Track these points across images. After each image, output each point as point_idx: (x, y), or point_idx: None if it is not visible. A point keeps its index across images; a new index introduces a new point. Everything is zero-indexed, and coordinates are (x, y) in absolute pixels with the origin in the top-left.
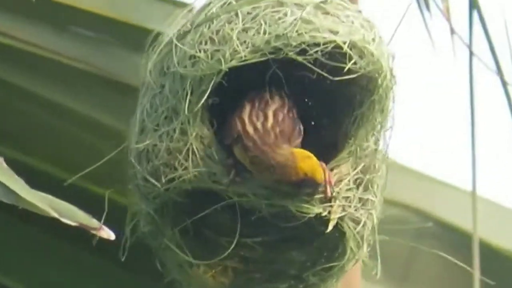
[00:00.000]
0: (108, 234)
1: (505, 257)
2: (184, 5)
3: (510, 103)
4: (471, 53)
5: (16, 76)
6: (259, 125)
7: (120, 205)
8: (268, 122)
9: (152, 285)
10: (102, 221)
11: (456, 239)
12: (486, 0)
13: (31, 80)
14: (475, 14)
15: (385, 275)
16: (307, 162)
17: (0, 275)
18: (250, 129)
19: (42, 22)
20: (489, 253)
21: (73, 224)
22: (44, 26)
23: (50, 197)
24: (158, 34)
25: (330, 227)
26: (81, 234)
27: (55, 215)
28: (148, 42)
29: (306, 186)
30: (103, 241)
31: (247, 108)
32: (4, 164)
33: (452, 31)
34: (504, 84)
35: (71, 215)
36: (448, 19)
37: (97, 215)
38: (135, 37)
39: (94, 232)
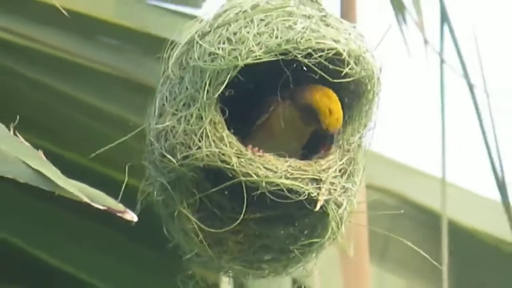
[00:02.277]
0: (131, 216)
1: (470, 234)
2: (194, 17)
3: (475, 101)
4: (441, 60)
5: (54, 79)
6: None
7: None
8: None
9: (156, 254)
10: (119, 199)
11: (427, 219)
12: (456, 13)
13: (65, 82)
14: (446, 27)
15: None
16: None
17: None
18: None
19: (74, 33)
20: (456, 231)
21: (102, 208)
22: (76, 36)
23: (82, 184)
24: (172, 42)
25: (318, 207)
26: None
27: (87, 200)
28: (163, 48)
29: (314, 121)
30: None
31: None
32: (44, 157)
33: (426, 41)
34: (470, 86)
35: (100, 200)
36: (422, 31)
37: (114, 194)
38: (152, 45)
39: (119, 214)
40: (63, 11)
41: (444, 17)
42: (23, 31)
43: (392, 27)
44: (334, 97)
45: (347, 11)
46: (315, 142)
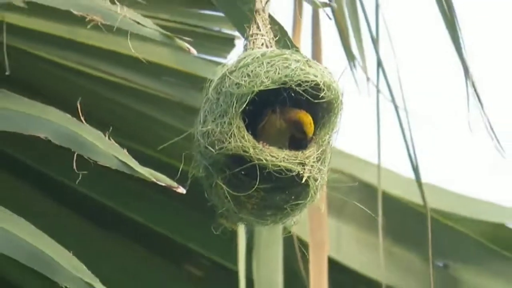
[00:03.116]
0: (182, 190)
1: (395, 200)
2: (221, 63)
3: (399, 117)
4: (377, 90)
5: (137, 104)
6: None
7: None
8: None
9: (200, 212)
10: (176, 179)
11: (368, 192)
12: (386, 55)
13: (144, 106)
14: (380, 70)
15: (329, 212)
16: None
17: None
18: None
19: (148, 74)
20: (386, 199)
21: (162, 184)
22: (149, 76)
23: (151, 170)
24: (208, 80)
25: (303, 180)
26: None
27: (154, 180)
28: (204, 83)
29: (299, 130)
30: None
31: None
32: (127, 152)
33: (368, 79)
34: (396, 107)
35: (162, 179)
36: (365, 72)
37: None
38: (196, 81)
39: (174, 188)
40: (143, 60)
41: (379, 62)
42: (119, 74)
43: (346, 68)
44: (309, 116)
45: (316, 58)
46: (293, 141)
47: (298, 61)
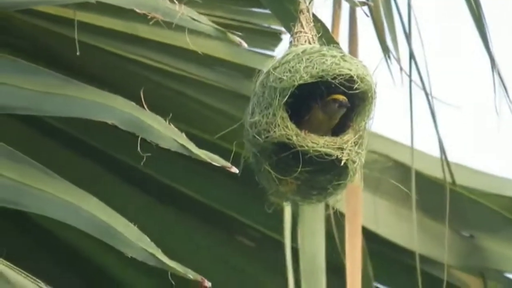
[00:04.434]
0: (235, 170)
1: (431, 181)
2: (271, 56)
3: (430, 105)
4: (410, 80)
5: (191, 91)
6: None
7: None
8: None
9: (254, 191)
10: (230, 160)
11: (402, 170)
12: (418, 50)
13: (198, 93)
14: (413, 62)
15: (365, 189)
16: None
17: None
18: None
19: (202, 65)
20: (418, 177)
21: (217, 164)
22: (203, 67)
23: (206, 151)
24: (259, 71)
25: (342, 163)
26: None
27: (209, 160)
28: (255, 74)
29: (334, 104)
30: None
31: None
32: (185, 136)
33: (401, 69)
34: (426, 94)
35: (216, 160)
36: (399, 64)
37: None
38: (248, 72)
39: (228, 168)
40: (199, 52)
41: (411, 55)
42: (176, 65)
43: (382, 60)
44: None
45: (353, 52)
46: (337, 130)
47: (334, 56)
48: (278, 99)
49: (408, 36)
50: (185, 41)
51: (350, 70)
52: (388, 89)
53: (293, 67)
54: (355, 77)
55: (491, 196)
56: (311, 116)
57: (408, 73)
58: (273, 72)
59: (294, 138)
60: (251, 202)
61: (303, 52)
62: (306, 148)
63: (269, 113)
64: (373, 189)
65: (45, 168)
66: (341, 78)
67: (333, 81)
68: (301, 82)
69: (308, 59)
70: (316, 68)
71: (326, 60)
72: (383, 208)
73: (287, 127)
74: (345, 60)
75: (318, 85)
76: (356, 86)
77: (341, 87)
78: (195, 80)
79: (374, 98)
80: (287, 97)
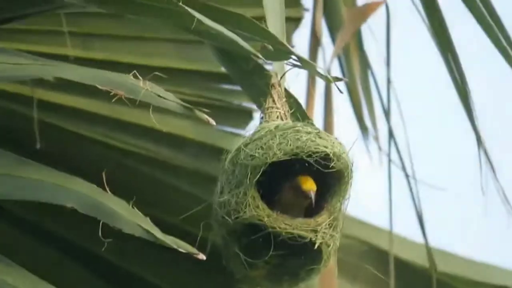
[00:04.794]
0: (202, 256)
1: (412, 268)
2: (238, 134)
3: (410, 187)
4: (389, 159)
5: (159, 173)
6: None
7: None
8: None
9: (222, 278)
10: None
11: (379, 257)
12: (398, 130)
13: (164, 174)
14: (392, 141)
15: (343, 276)
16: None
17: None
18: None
19: (168, 144)
20: (398, 263)
21: (182, 251)
22: (170, 147)
23: (171, 237)
24: (225, 152)
25: (316, 246)
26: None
27: (175, 247)
28: (223, 153)
29: (299, 192)
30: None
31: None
32: (149, 221)
33: (380, 149)
34: (406, 176)
35: (183, 246)
36: (378, 143)
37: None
38: (213, 151)
39: (194, 255)
40: (164, 130)
41: (390, 134)
42: (142, 145)
43: (359, 139)
44: (307, 177)
45: (328, 129)
46: (310, 211)
47: (309, 133)
48: (249, 178)
49: (387, 113)
50: (150, 120)
51: (326, 147)
52: (366, 169)
53: (265, 143)
54: (331, 155)
55: (477, 284)
56: (282, 196)
57: (387, 152)
58: (244, 149)
59: (266, 219)
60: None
61: (276, 128)
62: (279, 229)
63: (240, 192)
64: (351, 277)
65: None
66: (316, 156)
67: (308, 159)
68: (274, 159)
69: (281, 135)
70: (290, 145)
71: (301, 136)
72: None
73: (258, 207)
74: (320, 137)
75: (292, 161)
76: (332, 164)
77: (316, 165)
78: (161, 161)
79: (350, 178)
80: (259, 175)
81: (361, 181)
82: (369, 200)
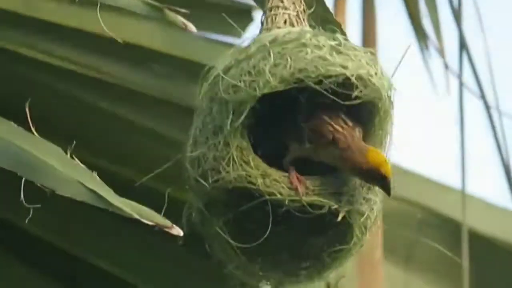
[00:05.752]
0: (178, 231)
1: (487, 242)
2: (231, 45)
3: (491, 119)
4: (461, 83)
5: (109, 104)
6: (344, 125)
7: (178, 200)
8: (349, 123)
9: (205, 263)
10: (162, 213)
11: (448, 229)
12: (473, 40)
13: (120, 106)
14: (464, 53)
15: (392, 259)
16: (378, 156)
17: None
18: (339, 127)
19: (128, 61)
20: (476, 240)
21: (151, 224)
22: (129, 65)
23: (133, 202)
24: (210, 68)
25: (339, 218)
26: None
27: (137, 217)
28: (202, 75)
29: (373, 177)
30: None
31: (325, 118)
32: (97, 178)
33: (446, 66)
34: (487, 106)
35: (149, 216)
36: (443, 57)
37: (159, 209)
38: (193, 70)
39: (167, 230)
40: (118, 39)
41: (462, 43)
42: (82, 61)
43: (414, 52)
44: (381, 153)
45: (368, 36)
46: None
47: (321, 47)
48: (232, 119)
49: (457, 15)
50: (98, 23)
51: (345, 68)
52: (424, 98)
53: (254, 66)
54: (353, 80)
55: None
56: (289, 145)
57: (457, 72)
58: (224, 76)
59: (260, 181)
60: (205, 278)
61: (272, 41)
62: (279, 196)
63: (219, 142)
64: (404, 259)
65: None
66: (330, 82)
67: (317, 87)
68: (266, 91)
69: (279, 52)
70: (290, 68)
71: (306, 53)
72: None
73: (247, 163)
74: (338, 52)
75: (296, 93)
76: (355, 93)
77: (330, 96)
78: (116, 84)
79: (389, 112)
80: (244, 115)
81: (416, 116)
82: (428, 144)
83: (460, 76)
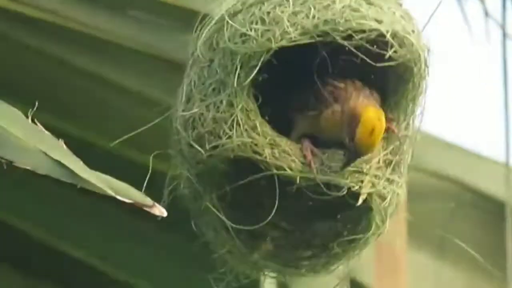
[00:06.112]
0: (160, 211)
1: None
2: None
3: None
4: (504, 33)
5: (78, 56)
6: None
7: (160, 170)
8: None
9: (188, 245)
10: (144, 187)
11: (489, 208)
12: None
13: (90, 59)
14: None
15: (426, 241)
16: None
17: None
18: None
19: (101, 6)
20: None
21: (128, 201)
22: (103, 10)
23: (107, 176)
24: (204, 16)
25: (360, 201)
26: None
27: (112, 193)
28: (195, 23)
29: (349, 124)
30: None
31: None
32: (65, 146)
33: (487, 14)
34: None
35: (126, 193)
36: (483, 3)
37: (139, 181)
38: (182, 19)
39: (147, 209)
40: None
41: None
42: (47, 6)
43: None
44: (380, 112)
45: None
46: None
47: None
48: (239, 75)
49: None
50: None
51: (380, 22)
52: (460, 52)
53: (268, 13)
54: (388, 36)
55: None
56: (318, 117)
57: (500, 21)
58: (231, 21)
59: (267, 151)
60: (186, 265)
61: None
62: (289, 172)
63: (221, 101)
64: (435, 247)
65: None
66: (361, 38)
67: (344, 42)
68: (283, 43)
69: None
70: (314, 18)
71: (333, 2)
72: (452, 281)
73: (253, 128)
74: (369, 3)
75: (317, 49)
76: (390, 53)
77: (361, 55)
78: (89, 35)
79: (424, 77)
80: (255, 70)
81: (450, 72)
82: (466, 109)
83: (503, 26)
